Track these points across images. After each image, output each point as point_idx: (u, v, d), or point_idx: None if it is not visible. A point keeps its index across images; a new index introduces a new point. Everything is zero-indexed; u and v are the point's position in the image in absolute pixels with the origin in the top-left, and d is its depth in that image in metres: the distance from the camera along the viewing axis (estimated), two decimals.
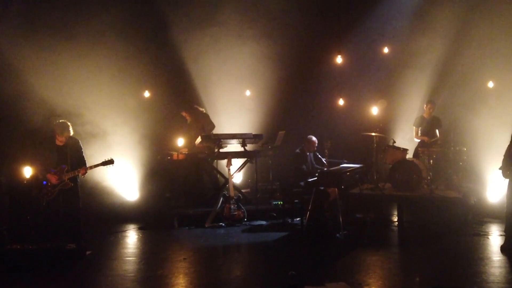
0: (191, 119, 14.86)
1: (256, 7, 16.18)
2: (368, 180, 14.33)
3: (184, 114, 14.92)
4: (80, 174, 11.04)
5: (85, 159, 11.28)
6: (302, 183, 12.78)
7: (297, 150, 13.27)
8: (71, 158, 10.99)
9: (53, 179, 10.84)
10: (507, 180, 10.25)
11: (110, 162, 11.26)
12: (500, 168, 10.38)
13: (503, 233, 10.56)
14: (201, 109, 15.11)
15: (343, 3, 16.87)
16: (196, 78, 16.57)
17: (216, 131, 14.88)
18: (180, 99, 16.27)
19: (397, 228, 12.65)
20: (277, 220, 13.52)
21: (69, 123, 10.95)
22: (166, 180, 15.10)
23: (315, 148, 13.36)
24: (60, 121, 11.06)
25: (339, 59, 16.92)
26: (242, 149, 14.09)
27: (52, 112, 13.32)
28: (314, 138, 13.32)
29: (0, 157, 12.41)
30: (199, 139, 14.03)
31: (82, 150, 11.27)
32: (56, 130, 10.89)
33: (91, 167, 11.13)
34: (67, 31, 14.43)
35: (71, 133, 10.97)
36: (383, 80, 16.72)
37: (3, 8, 13.88)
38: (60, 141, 10.97)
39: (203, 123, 14.72)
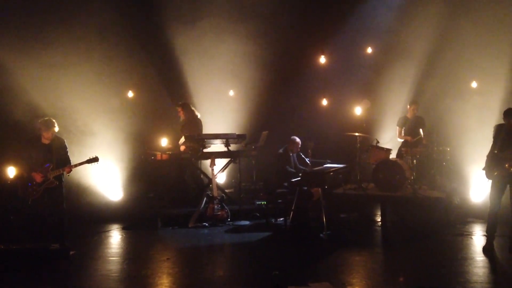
0: (185, 119, 14.74)
1: (239, 8, 16.14)
2: (351, 180, 14.32)
3: (179, 109, 14.78)
4: (65, 173, 11.08)
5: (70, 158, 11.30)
6: (285, 184, 12.75)
7: (280, 151, 13.26)
8: (57, 157, 11.00)
9: (38, 178, 10.84)
10: (490, 180, 10.29)
11: (95, 160, 11.31)
12: (483, 169, 10.41)
13: (486, 234, 10.56)
14: (197, 113, 14.97)
15: (326, 3, 16.86)
16: (180, 78, 16.54)
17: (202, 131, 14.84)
18: (163, 99, 16.25)
19: (380, 228, 12.67)
20: (260, 220, 13.49)
21: (54, 120, 10.98)
22: (149, 180, 15.06)
23: (299, 149, 13.36)
24: (45, 118, 11.05)
25: (322, 59, 16.88)
26: (225, 149, 14.05)
27: (36, 112, 13.26)
28: (298, 139, 13.31)
29: None
30: (182, 139, 13.99)
31: (67, 148, 11.28)
32: (42, 128, 10.90)
33: (76, 165, 11.16)
34: (51, 31, 14.40)
35: (57, 129, 11.00)
36: (366, 80, 16.76)
37: None
38: (46, 138, 10.98)
39: (194, 128, 14.61)
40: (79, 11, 14.91)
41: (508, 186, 10.15)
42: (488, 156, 10.35)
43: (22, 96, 13.61)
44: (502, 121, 10.28)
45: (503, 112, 10.22)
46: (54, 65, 14.25)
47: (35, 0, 14.46)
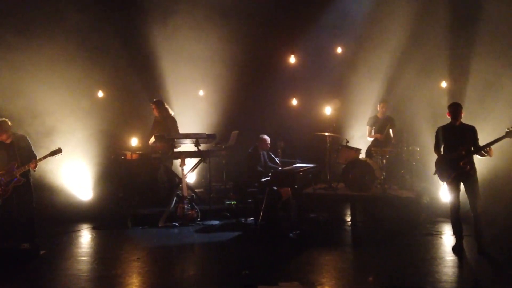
0: (159, 116, 14.63)
1: (209, 7, 16.09)
2: (321, 180, 14.38)
3: (153, 106, 14.67)
4: (31, 168, 11.03)
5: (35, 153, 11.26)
6: (256, 183, 12.73)
7: (250, 150, 13.22)
8: (20, 154, 10.96)
9: (5, 177, 10.78)
10: (445, 183, 10.36)
11: (58, 151, 11.30)
12: (434, 173, 10.51)
13: (453, 234, 10.59)
14: (171, 111, 14.89)
15: (295, 4, 16.87)
16: (150, 78, 16.53)
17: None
18: (133, 99, 16.18)
19: (350, 227, 12.67)
20: (230, 219, 13.47)
21: (6, 119, 10.98)
22: (119, 180, 14.91)
23: (268, 147, 13.33)
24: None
25: (292, 59, 16.96)
26: (195, 149, 13.96)
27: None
28: (266, 137, 13.28)
29: None
30: (152, 139, 13.89)
31: (31, 145, 11.24)
32: None
33: (40, 159, 11.11)
34: (18, 30, 14.26)
35: (10, 126, 10.98)
36: (336, 80, 16.81)
37: None
38: (6, 139, 10.93)
39: (170, 126, 14.54)
40: (44, 11, 14.81)
41: (462, 184, 10.20)
42: (437, 160, 10.44)
43: None
44: (469, 121, 10.34)
45: (448, 106, 10.35)
46: (19, 67, 14.13)
47: None
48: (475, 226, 10.15)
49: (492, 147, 9.89)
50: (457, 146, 10.04)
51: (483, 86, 14.26)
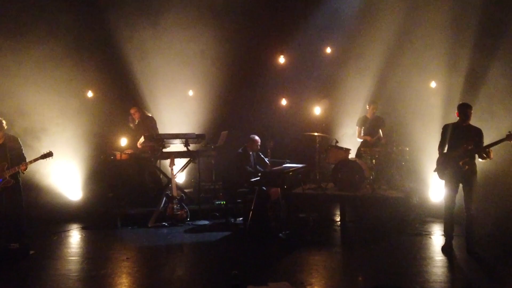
0: (140, 120, 14.66)
1: (199, 8, 16.08)
2: (310, 180, 14.33)
3: (133, 111, 14.71)
4: (21, 170, 11.00)
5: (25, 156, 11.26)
6: (246, 183, 12.72)
7: (240, 150, 13.19)
8: (11, 156, 10.93)
9: None
10: (443, 181, 10.36)
11: (49, 154, 11.29)
12: (435, 171, 10.48)
13: (444, 234, 10.60)
14: (148, 113, 14.91)
15: (285, 3, 16.86)
16: (139, 78, 16.43)
17: (159, 131, 14.83)
18: (123, 99, 16.14)
19: (339, 227, 12.69)
20: (220, 220, 13.49)
21: (1, 119, 10.94)
22: (109, 180, 14.90)
23: (258, 148, 13.30)
24: None
25: (281, 59, 16.96)
26: (185, 149, 13.96)
27: None
28: (256, 137, 13.26)
29: None
30: (142, 139, 13.90)
31: (22, 147, 11.23)
32: None
33: (31, 162, 11.11)
34: (9, 31, 14.32)
35: (5, 127, 10.94)
36: (325, 80, 16.82)
37: None
38: None
39: (149, 127, 14.57)
40: (32, 11, 14.81)
41: (461, 185, 10.21)
42: (439, 157, 10.42)
43: None
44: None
45: (457, 106, 10.30)
46: (7, 67, 14.18)
47: None
48: (466, 227, 10.18)
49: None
50: (461, 145, 10.03)
51: (473, 85, 14.28)
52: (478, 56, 14.35)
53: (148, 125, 14.66)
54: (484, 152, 9.86)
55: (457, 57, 14.53)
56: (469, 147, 9.90)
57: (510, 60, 14.09)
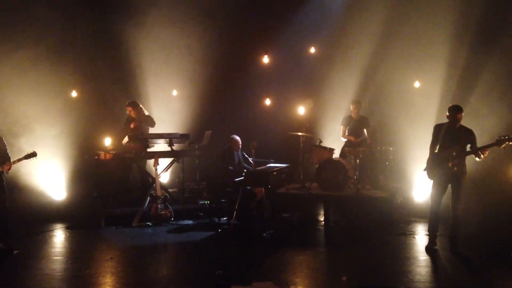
0: (136, 118, 14.54)
1: (183, 8, 16.04)
2: (294, 180, 14.37)
3: (129, 108, 14.56)
4: (4, 170, 10.99)
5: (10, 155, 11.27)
6: (230, 183, 12.71)
7: (223, 150, 13.19)
8: None
9: None
10: (432, 180, 10.38)
11: (33, 155, 11.30)
12: (424, 170, 10.50)
13: (428, 233, 10.63)
14: (146, 111, 14.82)
15: (269, 3, 16.86)
16: (123, 78, 16.43)
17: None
18: (107, 99, 16.12)
19: (323, 227, 12.69)
20: (204, 219, 13.43)
21: None
22: (93, 180, 14.88)
23: (240, 147, 13.32)
24: None
25: (266, 59, 16.96)
26: (169, 148, 13.96)
27: None
28: (237, 137, 13.30)
29: None
30: (126, 139, 13.82)
31: (6, 146, 11.23)
32: None
33: (14, 162, 11.13)
34: None
35: None
36: (309, 79, 16.83)
37: None
38: None
39: (147, 126, 14.52)
40: (15, 9, 14.74)
41: (450, 185, 10.24)
42: (429, 157, 10.45)
43: None
44: (443, 121, 10.38)
45: (448, 108, 10.30)
46: None
47: None
48: (452, 226, 10.25)
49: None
50: (451, 146, 10.07)
51: (457, 85, 14.32)
52: (464, 54, 14.37)
53: (145, 124, 14.52)
54: (480, 152, 9.90)
55: (441, 56, 14.56)
56: (453, 153, 9.96)
57: (496, 56, 14.14)
